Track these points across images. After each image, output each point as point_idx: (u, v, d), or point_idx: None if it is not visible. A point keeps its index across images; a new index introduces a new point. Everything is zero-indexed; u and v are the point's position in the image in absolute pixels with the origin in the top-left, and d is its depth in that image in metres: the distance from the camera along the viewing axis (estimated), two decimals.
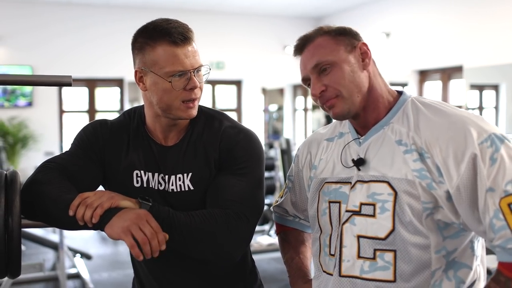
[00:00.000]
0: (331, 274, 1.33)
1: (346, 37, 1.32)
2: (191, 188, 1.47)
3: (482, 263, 1.32)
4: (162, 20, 1.43)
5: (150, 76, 1.42)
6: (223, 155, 1.47)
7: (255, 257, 1.74)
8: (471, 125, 1.19)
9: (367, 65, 1.32)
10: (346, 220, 1.30)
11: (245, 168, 1.45)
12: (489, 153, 1.15)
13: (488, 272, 3.49)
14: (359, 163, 1.31)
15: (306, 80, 1.35)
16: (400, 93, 1.37)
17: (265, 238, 4.94)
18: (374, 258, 1.26)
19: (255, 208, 1.43)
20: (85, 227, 1.32)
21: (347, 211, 1.31)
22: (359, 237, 1.28)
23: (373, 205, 1.26)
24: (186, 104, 1.42)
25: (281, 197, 1.61)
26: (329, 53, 1.30)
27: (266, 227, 6.26)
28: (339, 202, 1.33)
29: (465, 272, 1.26)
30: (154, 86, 1.42)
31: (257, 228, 6.22)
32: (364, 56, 1.32)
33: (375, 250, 1.26)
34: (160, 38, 1.39)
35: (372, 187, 1.27)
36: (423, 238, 1.22)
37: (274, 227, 5.38)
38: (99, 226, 1.29)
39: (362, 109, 1.32)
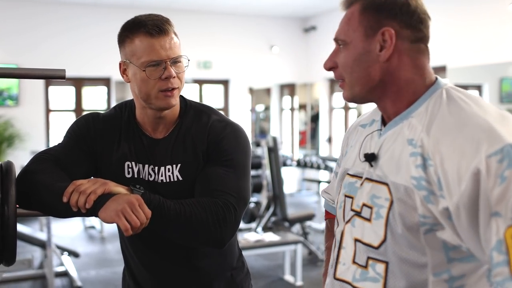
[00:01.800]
0: None
1: (375, 15, 1.12)
2: (180, 178, 1.53)
3: None
4: (144, 14, 1.50)
5: (131, 67, 1.49)
6: (211, 147, 1.53)
7: (242, 253, 1.78)
8: (485, 132, 0.98)
9: (382, 57, 1.11)
10: (349, 220, 1.20)
11: (232, 160, 1.51)
12: (498, 169, 0.94)
13: None
14: (371, 158, 1.17)
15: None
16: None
17: (252, 234, 4.97)
18: (366, 266, 1.14)
19: (242, 198, 1.49)
20: (78, 213, 1.36)
21: (351, 210, 1.20)
22: (356, 240, 1.16)
23: (371, 208, 1.13)
24: (164, 93, 1.47)
25: (330, 181, 1.52)
26: (346, 32, 1.15)
27: (253, 224, 6.31)
28: (352, 198, 1.21)
29: None
30: (134, 77, 1.49)
31: (245, 225, 6.30)
32: (385, 45, 1.11)
33: (368, 258, 1.13)
34: (137, 30, 1.46)
35: (374, 188, 1.14)
36: (418, 255, 1.06)
37: (261, 224, 5.41)
38: (92, 211, 1.33)
39: (377, 99, 1.18)
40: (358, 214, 1.17)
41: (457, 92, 1.12)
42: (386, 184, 1.11)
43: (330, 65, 1.20)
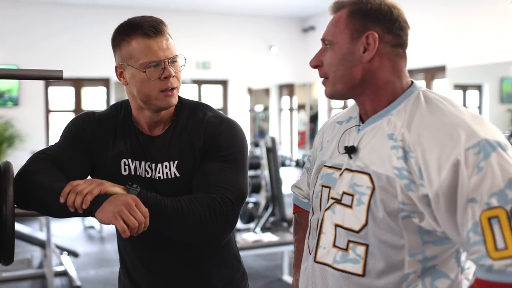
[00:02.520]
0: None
1: (361, 20, 1.22)
2: (177, 175, 1.54)
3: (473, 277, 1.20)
4: (137, 16, 1.51)
5: (128, 70, 1.50)
6: (207, 143, 1.54)
7: (240, 253, 1.80)
8: (463, 128, 1.10)
9: (365, 58, 1.22)
10: (329, 207, 1.29)
11: (229, 155, 1.52)
12: (475, 160, 1.05)
13: None
14: (350, 151, 1.27)
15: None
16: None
17: (250, 235, 4.98)
18: (346, 249, 1.23)
19: (239, 193, 1.50)
20: (75, 213, 1.37)
21: (331, 198, 1.29)
22: (336, 226, 1.26)
23: (352, 195, 1.23)
24: (164, 93, 1.49)
25: (300, 177, 1.62)
26: (333, 33, 1.25)
27: (251, 224, 6.32)
28: (330, 187, 1.31)
29: (444, 282, 1.19)
30: (133, 79, 1.50)
31: (243, 225, 6.31)
32: (368, 47, 1.22)
33: (348, 241, 1.23)
34: (133, 32, 1.47)
35: (355, 177, 1.23)
36: (397, 238, 1.17)
37: (260, 225, 5.42)
38: (89, 212, 1.35)
39: (357, 96, 1.28)
40: (338, 201, 1.27)
41: (433, 94, 1.24)
42: (367, 173, 1.21)
43: (315, 63, 1.30)
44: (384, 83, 1.24)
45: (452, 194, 1.07)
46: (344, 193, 1.25)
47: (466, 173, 1.05)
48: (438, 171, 1.09)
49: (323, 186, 1.34)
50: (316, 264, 1.30)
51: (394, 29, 1.23)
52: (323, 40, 1.28)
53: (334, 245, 1.26)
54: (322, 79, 1.30)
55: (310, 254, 1.35)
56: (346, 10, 1.25)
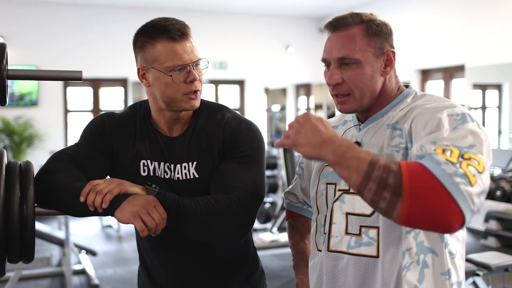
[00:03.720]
0: (321, 251, 1.41)
1: (380, 39, 1.34)
2: (196, 176, 1.55)
3: (460, 260, 1.32)
4: (160, 18, 1.51)
5: (152, 72, 1.50)
6: (226, 144, 1.55)
7: (257, 253, 1.80)
8: (449, 106, 1.24)
9: (387, 72, 1.36)
10: (337, 198, 1.38)
11: (247, 156, 1.53)
12: (455, 122, 1.19)
13: (487, 267, 3.53)
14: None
15: (326, 61, 1.38)
16: (406, 87, 1.43)
17: (267, 235, 4.99)
18: (359, 234, 1.32)
19: (257, 193, 1.50)
20: (95, 213, 1.39)
21: (339, 190, 1.38)
22: (347, 214, 1.35)
23: None
24: (188, 96, 1.50)
25: (292, 183, 1.69)
26: (358, 51, 1.32)
27: (268, 224, 6.32)
28: (335, 184, 1.40)
29: (431, 257, 1.28)
30: (157, 81, 1.50)
31: (260, 225, 6.32)
32: (388, 63, 1.35)
33: (361, 226, 1.32)
34: (159, 35, 1.47)
35: None
36: None
37: (277, 225, 5.43)
38: (109, 211, 1.36)
39: (371, 106, 1.38)
40: (346, 191, 1.36)
41: (429, 94, 1.39)
42: None
43: (337, 81, 1.34)
44: (390, 91, 1.40)
45: (426, 130, 1.19)
46: None
47: (447, 126, 1.17)
48: (424, 127, 1.21)
49: (327, 183, 1.42)
50: (330, 253, 1.38)
51: (393, 45, 1.38)
52: (343, 58, 1.32)
53: (347, 233, 1.35)
54: (341, 95, 1.36)
55: (319, 249, 1.43)
56: (360, 28, 1.33)
